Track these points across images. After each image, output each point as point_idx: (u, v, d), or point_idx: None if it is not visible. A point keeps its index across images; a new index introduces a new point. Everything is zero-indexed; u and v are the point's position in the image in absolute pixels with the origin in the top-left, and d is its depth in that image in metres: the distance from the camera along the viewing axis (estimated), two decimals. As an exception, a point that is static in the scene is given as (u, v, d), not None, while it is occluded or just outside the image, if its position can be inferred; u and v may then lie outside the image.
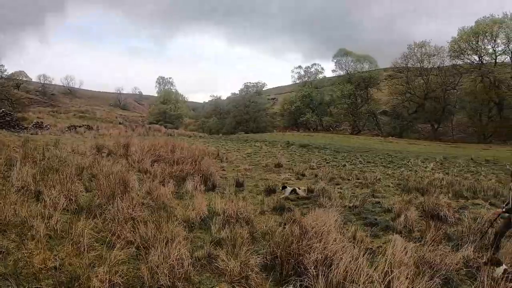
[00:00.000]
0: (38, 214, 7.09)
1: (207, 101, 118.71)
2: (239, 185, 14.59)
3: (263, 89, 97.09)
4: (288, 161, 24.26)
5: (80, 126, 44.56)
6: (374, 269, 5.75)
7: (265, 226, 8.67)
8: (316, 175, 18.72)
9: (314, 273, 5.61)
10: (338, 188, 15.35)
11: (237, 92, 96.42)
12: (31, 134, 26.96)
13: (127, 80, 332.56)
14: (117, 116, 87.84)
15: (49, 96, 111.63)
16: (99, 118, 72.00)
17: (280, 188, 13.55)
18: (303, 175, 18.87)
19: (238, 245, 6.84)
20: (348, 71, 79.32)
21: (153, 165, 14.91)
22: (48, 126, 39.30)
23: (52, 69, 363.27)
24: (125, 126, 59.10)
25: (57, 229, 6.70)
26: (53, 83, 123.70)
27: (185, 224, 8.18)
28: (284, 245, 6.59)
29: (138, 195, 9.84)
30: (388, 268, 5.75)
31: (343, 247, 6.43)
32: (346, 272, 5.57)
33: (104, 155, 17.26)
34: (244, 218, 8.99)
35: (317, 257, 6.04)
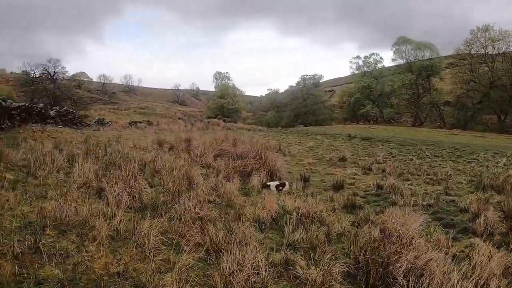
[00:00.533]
0: (100, 212, 6.60)
1: (263, 94, 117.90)
2: (304, 180, 13.72)
3: (320, 81, 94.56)
4: (352, 155, 23.10)
5: (140, 122, 44.94)
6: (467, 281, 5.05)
7: (340, 227, 7.84)
8: (383, 170, 17.50)
9: (405, 284, 5.00)
10: (408, 185, 14.08)
11: (293, 84, 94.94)
12: (93, 130, 27.19)
13: (183, 77, 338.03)
14: (176, 111, 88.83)
15: (110, 94, 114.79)
16: (159, 114, 72.97)
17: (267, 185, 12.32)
18: (370, 169, 17.68)
19: (318, 250, 6.18)
20: (408, 60, 75.60)
21: (216, 160, 14.34)
22: (110, 122, 39.94)
23: (111, 69, 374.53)
24: (184, 121, 59.14)
25: (120, 230, 6.18)
26: (112, 82, 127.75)
27: (255, 224, 7.52)
28: (369, 251, 5.79)
29: (203, 191, 9.21)
30: (479, 278, 5.16)
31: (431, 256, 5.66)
32: (442, 284, 4.92)
33: (165, 149, 16.89)
34: (318, 218, 8.17)
35: (407, 267, 5.32)
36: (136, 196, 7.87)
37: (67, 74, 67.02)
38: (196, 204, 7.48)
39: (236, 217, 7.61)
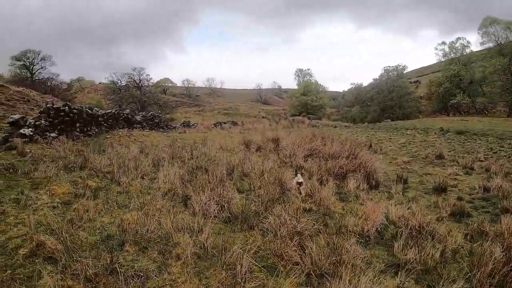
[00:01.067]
0: (185, 226, 5.82)
1: (346, 89, 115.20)
2: (403, 181, 12.50)
3: (404, 72, 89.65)
4: (449, 152, 21.16)
5: (225, 123, 44.84)
6: None
7: (453, 241, 6.60)
8: (487, 169, 15.63)
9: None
10: (518, 187, 12.27)
11: (376, 77, 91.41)
12: (179, 133, 27.12)
13: (264, 76, 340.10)
14: (260, 110, 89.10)
15: (194, 97, 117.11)
16: (242, 113, 73.41)
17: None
18: (472, 168, 15.91)
19: (434, 273, 5.31)
20: (499, 42, 66.96)
21: (307, 160, 13.37)
22: (195, 124, 40.10)
23: (193, 74, 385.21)
24: (268, 120, 58.77)
25: (207, 247, 5.39)
26: (196, 86, 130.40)
27: (360, 239, 6.52)
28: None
29: (297, 197, 8.26)
30: None
31: None
32: None
33: (253, 150, 16.19)
34: (429, 231, 6.99)
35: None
36: (225, 205, 7.06)
37: (152, 81, 69.06)
38: (292, 216, 6.54)
39: (337, 229, 6.66)
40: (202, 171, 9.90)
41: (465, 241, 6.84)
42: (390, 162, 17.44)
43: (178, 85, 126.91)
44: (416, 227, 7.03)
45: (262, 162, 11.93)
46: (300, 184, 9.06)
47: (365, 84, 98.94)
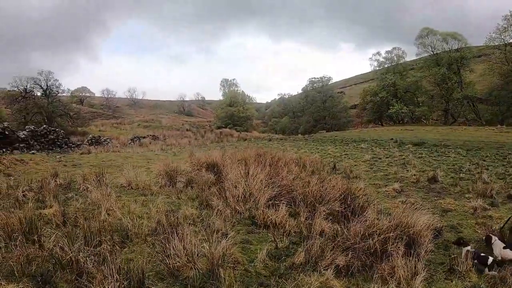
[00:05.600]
0: None
1: (269, 100, 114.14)
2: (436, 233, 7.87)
3: (329, 83, 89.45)
4: (433, 170, 16.68)
5: (144, 137, 39.94)
6: None
7: None
8: (509, 196, 11.59)
9: None
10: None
11: (300, 90, 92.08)
12: (81, 153, 20.69)
13: (184, 86, 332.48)
14: (183, 122, 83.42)
15: (114, 108, 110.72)
16: (165, 126, 66.89)
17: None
18: (491, 197, 11.69)
19: None
20: (434, 52, 68.23)
21: (277, 209, 7.68)
22: (108, 139, 33.87)
23: (113, 84, 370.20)
24: (194, 133, 55.07)
25: None
26: (116, 97, 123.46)
27: None
28: None
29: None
30: None
31: None
32: None
33: (180, 186, 10.35)
34: None
35: None
36: None
37: (67, 90, 60.99)
38: None
39: None
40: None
41: None
42: (378, 191, 12.69)
43: (97, 95, 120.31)
44: None
45: (204, 227, 6.27)
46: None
47: (288, 95, 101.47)
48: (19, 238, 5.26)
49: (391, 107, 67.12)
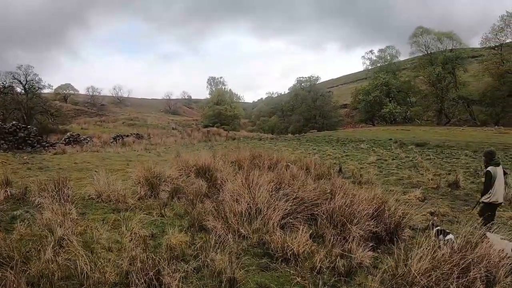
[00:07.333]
0: None
1: (256, 100, 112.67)
2: None
3: (317, 82, 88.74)
4: (449, 174, 15.12)
5: (127, 136, 37.84)
6: None
7: None
8: None
9: None
10: None
11: (287, 89, 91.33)
12: (53, 154, 18.41)
13: (171, 85, 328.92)
14: (169, 121, 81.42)
15: (99, 106, 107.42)
16: (150, 124, 64.60)
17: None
18: None
19: None
20: (428, 51, 67.01)
21: (295, 231, 5.68)
22: (89, 138, 31.60)
23: (98, 82, 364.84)
24: (180, 132, 53.36)
25: None
26: (102, 94, 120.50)
27: None
28: None
29: None
30: None
31: None
32: None
33: (164, 197, 8.29)
34: None
35: None
36: None
37: (49, 86, 58.13)
38: None
39: None
40: None
41: None
42: (397, 200, 10.79)
43: (81, 92, 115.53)
44: None
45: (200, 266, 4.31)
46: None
47: (276, 94, 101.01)
48: None
49: (385, 106, 66.00)
